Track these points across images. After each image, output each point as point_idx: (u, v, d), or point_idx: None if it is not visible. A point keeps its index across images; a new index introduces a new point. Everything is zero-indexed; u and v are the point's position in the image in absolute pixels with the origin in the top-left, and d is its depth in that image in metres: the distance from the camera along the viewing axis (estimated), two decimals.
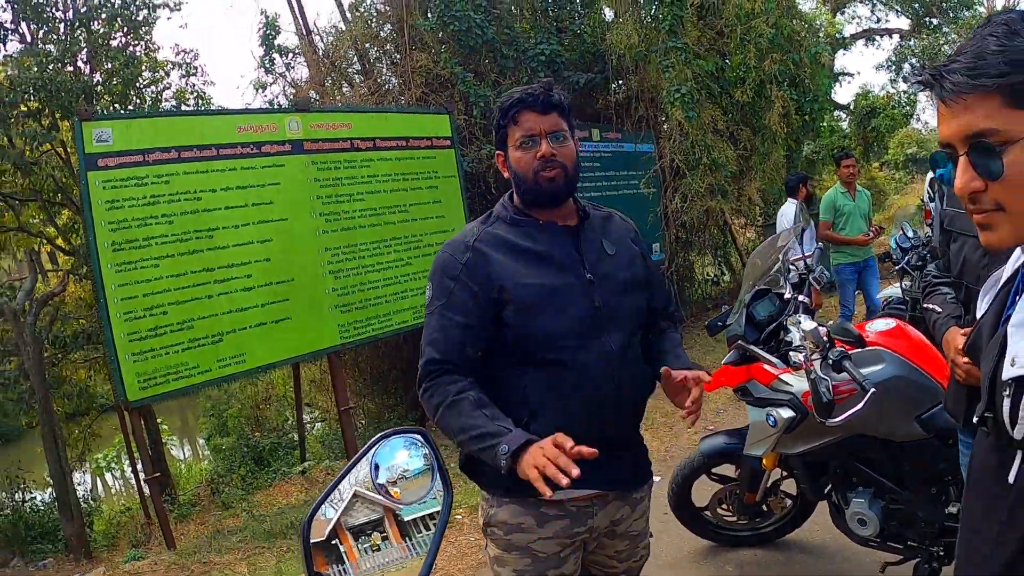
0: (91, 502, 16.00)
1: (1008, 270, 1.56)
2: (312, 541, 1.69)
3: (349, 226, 8.02)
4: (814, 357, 3.29)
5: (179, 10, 16.14)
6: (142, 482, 11.83)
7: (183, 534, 7.78)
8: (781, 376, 3.70)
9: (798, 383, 3.62)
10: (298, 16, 13.55)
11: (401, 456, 1.78)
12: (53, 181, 14.06)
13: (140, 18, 15.42)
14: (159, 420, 15.46)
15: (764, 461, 4.16)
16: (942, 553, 3.57)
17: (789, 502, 4.61)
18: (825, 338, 3.31)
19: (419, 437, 1.82)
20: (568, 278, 2.38)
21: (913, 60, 36.64)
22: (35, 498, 15.28)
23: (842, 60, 39.00)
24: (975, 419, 1.54)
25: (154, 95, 16.67)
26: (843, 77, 37.48)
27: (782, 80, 11.64)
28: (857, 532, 3.87)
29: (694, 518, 4.81)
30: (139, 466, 12.43)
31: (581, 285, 2.38)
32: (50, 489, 15.89)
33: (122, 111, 14.37)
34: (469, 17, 10.98)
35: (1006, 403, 1.39)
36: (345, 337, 7.90)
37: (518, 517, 2.42)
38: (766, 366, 3.73)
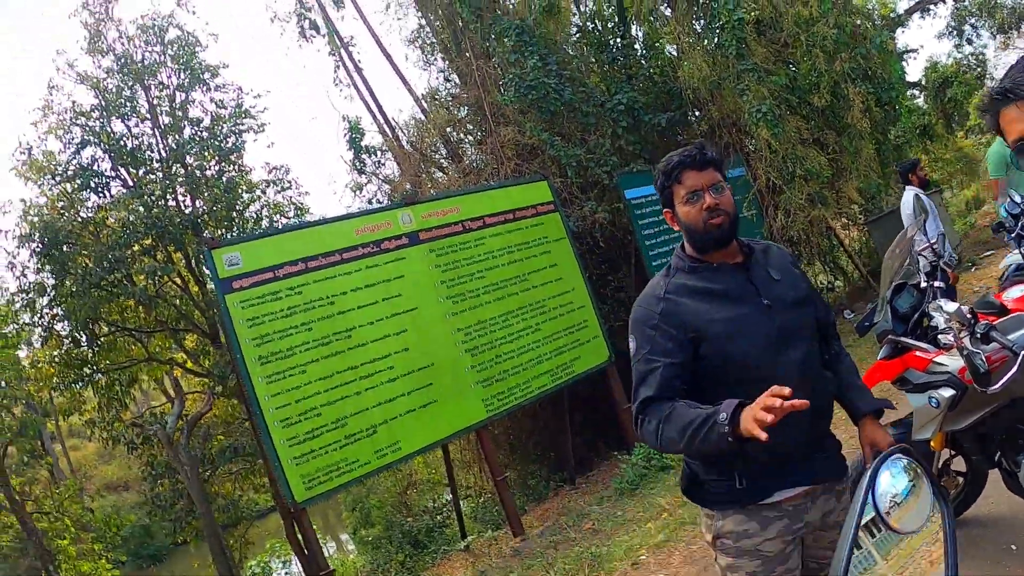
0: None
1: None
2: None
3: (475, 304, 8.33)
4: (962, 334, 3.47)
5: (263, 131, 16.87)
6: None
7: None
8: (935, 359, 3.86)
9: (952, 362, 3.78)
10: (378, 115, 14.14)
11: (885, 480, 1.69)
12: (175, 310, 14.94)
13: (229, 145, 16.15)
14: None
15: (932, 443, 4.30)
16: None
17: (961, 480, 4.70)
18: (969, 315, 3.51)
19: (903, 456, 1.75)
20: (748, 308, 2.72)
21: (972, 20, 35.91)
22: None
23: (903, 38, 38.37)
24: None
25: (255, 215, 17.29)
26: (908, 55, 36.94)
27: (855, 77, 11.71)
28: None
29: None
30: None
31: (760, 311, 2.72)
32: None
33: (229, 236, 15.07)
34: (544, 84, 11.39)
35: None
36: (491, 410, 8.16)
37: (743, 524, 2.71)
38: (919, 353, 3.94)
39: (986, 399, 3.73)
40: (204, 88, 16.02)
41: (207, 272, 14.87)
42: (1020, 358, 3.27)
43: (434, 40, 14.45)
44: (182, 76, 15.63)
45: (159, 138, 15.24)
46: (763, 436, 2.20)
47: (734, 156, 11.99)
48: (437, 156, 13.95)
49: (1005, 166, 8.18)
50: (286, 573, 21.38)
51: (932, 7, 37.80)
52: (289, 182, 17.84)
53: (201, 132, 15.89)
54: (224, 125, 16.24)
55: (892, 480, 1.68)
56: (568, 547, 7.17)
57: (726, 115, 11.85)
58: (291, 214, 17.71)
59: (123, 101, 14.77)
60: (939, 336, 3.73)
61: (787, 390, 2.24)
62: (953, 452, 4.56)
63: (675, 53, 12.78)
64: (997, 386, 3.42)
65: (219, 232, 15.60)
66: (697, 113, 12.37)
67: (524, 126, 11.60)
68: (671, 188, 2.79)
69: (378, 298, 7.69)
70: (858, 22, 12.28)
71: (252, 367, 6.84)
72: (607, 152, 11.50)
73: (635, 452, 8.64)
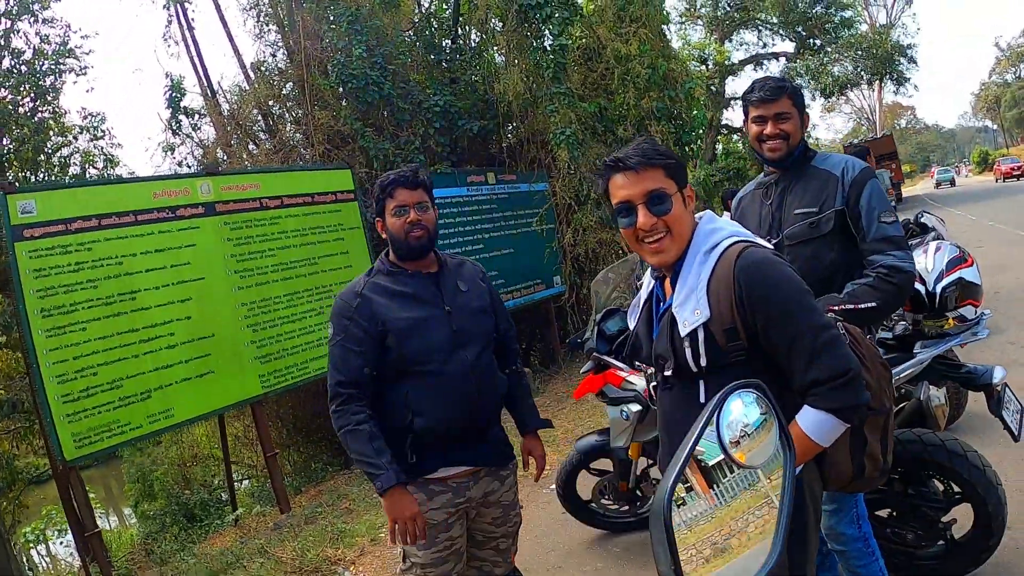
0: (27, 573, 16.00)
1: (643, 293, 2.60)
2: None
3: (262, 281, 8.40)
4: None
5: (85, 74, 16.41)
6: (84, 538, 11.83)
7: None
8: (628, 378, 4.50)
9: (640, 382, 4.41)
10: (202, 78, 13.96)
11: (736, 408, 1.66)
12: None
13: (47, 84, 15.64)
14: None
15: (630, 452, 4.89)
16: None
17: None
18: None
19: (755, 390, 1.73)
20: (431, 311, 3.27)
21: (799, 81, 38.06)
22: None
23: (733, 86, 40.36)
24: (652, 386, 2.55)
25: (62, 160, 16.78)
26: (735, 102, 38.86)
27: (660, 116, 12.38)
28: None
29: (583, 510, 5.58)
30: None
31: (441, 315, 3.28)
32: None
33: (35, 179, 14.63)
34: (366, 75, 11.56)
35: (688, 351, 2.29)
36: (266, 386, 8.25)
37: (414, 494, 3.19)
38: (616, 371, 4.57)
39: None
40: (31, 19, 15.47)
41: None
42: None
43: (270, 11, 14.35)
44: (10, 2, 15.07)
45: None
46: (391, 543, 2.97)
47: (539, 171, 12.47)
48: (254, 128, 13.90)
49: None
50: (62, 542, 20.81)
51: (765, 62, 40.03)
52: (103, 131, 17.43)
53: (20, 65, 15.37)
54: (45, 61, 15.73)
55: (744, 409, 1.65)
56: (320, 523, 7.46)
57: (536, 132, 12.30)
58: (101, 164, 17.32)
59: None
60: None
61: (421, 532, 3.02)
62: (651, 461, 5.15)
63: (501, 64, 13.17)
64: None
65: (24, 173, 15.12)
66: (510, 125, 12.76)
67: (340, 113, 11.78)
68: (384, 201, 3.31)
69: (167, 264, 7.65)
70: (672, 67, 12.94)
71: (33, 319, 6.73)
72: (416, 150, 11.76)
73: None
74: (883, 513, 4.07)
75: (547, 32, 11.60)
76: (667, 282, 2.47)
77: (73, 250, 7.06)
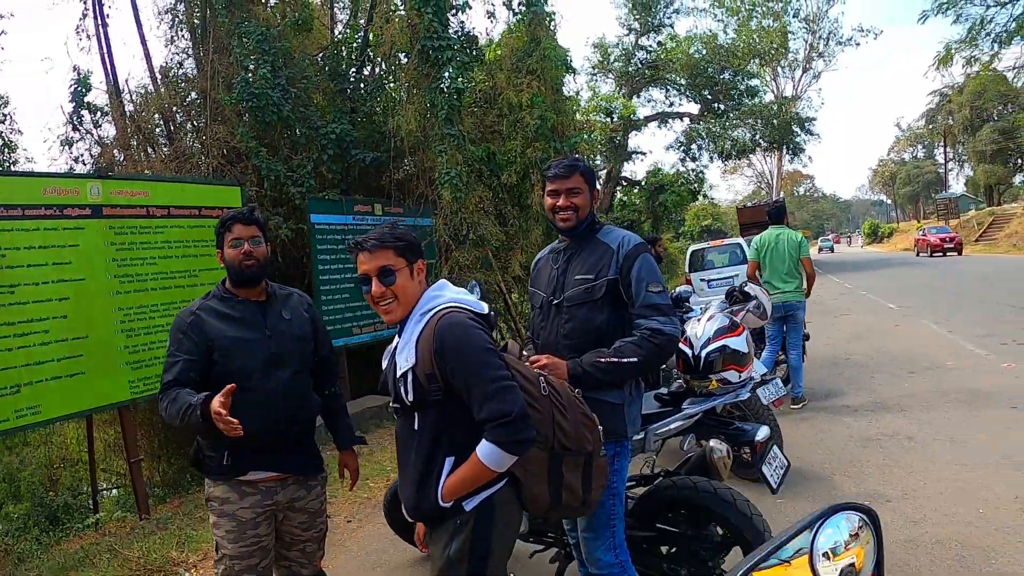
0: None
1: (394, 342, 3.15)
2: None
3: (141, 288, 8.52)
4: None
5: None
6: None
7: None
8: None
9: None
10: (109, 76, 13.99)
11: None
12: None
13: None
14: None
15: None
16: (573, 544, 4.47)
17: None
18: None
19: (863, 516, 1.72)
20: (254, 333, 3.79)
21: (700, 142, 39.24)
22: None
23: (636, 140, 41.45)
24: (391, 408, 3.14)
25: None
26: (636, 155, 39.86)
27: (544, 166, 12.90)
28: None
29: (407, 531, 5.89)
30: None
31: (262, 339, 3.79)
32: None
33: None
34: (267, 95, 11.82)
35: (402, 388, 2.95)
36: (136, 392, 8.32)
37: (227, 493, 3.73)
38: None
39: None
40: None
41: None
42: None
43: (184, 19, 14.49)
44: None
45: None
46: (231, 432, 3.28)
47: (425, 207, 12.86)
48: (155, 133, 14.00)
49: (756, 251, 10.07)
50: None
51: (670, 120, 41.09)
52: (4, 115, 17.28)
53: None
54: None
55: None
56: (171, 528, 7.67)
57: (425, 169, 12.75)
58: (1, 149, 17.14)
59: None
60: None
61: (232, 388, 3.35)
62: None
63: (400, 99, 13.56)
64: None
65: None
66: (403, 161, 13.17)
67: (237, 129, 12.01)
68: (223, 234, 3.84)
69: (49, 261, 7.71)
70: (561, 120, 13.53)
71: None
72: (307, 174, 12.06)
73: None
74: (664, 549, 4.54)
75: (446, 74, 12.05)
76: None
77: None
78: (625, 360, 3.66)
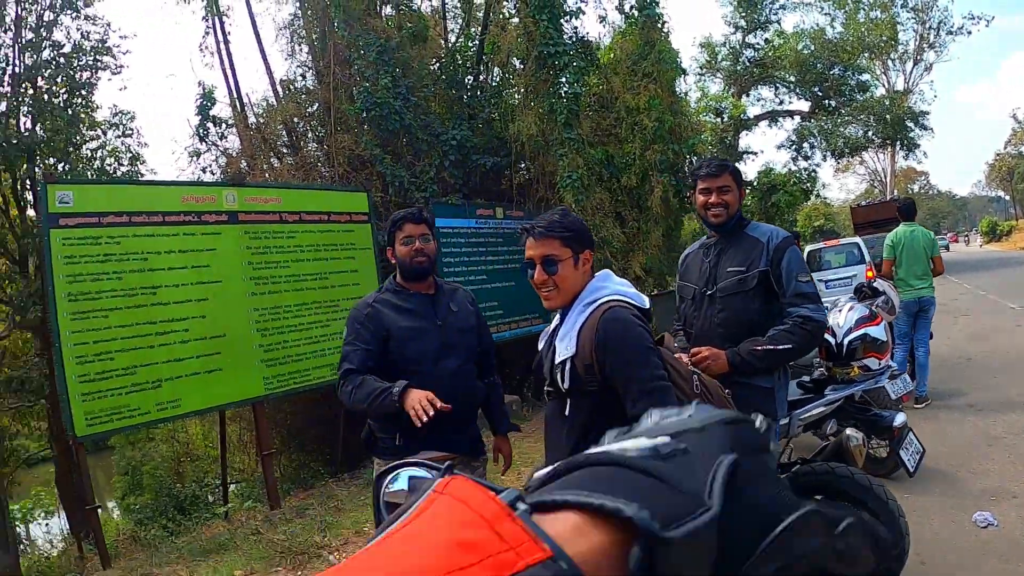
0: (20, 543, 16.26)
1: (552, 325, 3.28)
2: None
3: (275, 290, 8.83)
4: None
5: (120, 73, 16.89)
6: (83, 513, 12.04)
7: (119, 564, 8.11)
8: None
9: None
10: (233, 89, 14.47)
11: None
12: None
13: (82, 77, 16.08)
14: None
15: None
16: None
17: None
18: None
19: None
20: (425, 323, 3.99)
21: (812, 140, 38.45)
22: None
23: (747, 140, 40.83)
24: (545, 391, 3.25)
25: (90, 153, 17.16)
26: (747, 155, 39.21)
27: (663, 167, 12.96)
28: None
29: None
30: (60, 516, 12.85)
31: (434, 328, 3.99)
32: None
33: (63, 169, 15.08)
34: (389, 104, 12.11)
35: (559, 375, 3.03)
36: (269, 388, 8.63)
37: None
38: None
39: None
40: (73, 14, 15.91)
41: (30, 201, 14.85)
42: None
43: (303, 33, 14.90)
44: None
45: (16, 53, 15.06)
46: (420, 416, 3.45)
47: (545, 210, 12.79)
48: (278, 143, 14.40)
49: (891, 248, 9.84)
50: (45, 524, 21.05)
51: (780, 119, 40.31)
52: (132, 129, 17.89)
53: (59, 57, 15.80)
54: (84, 57, 16.17)
55: None
56: (309, 516, 7.89)
57: (545, 172, 12.85)
58: (126, 161, 17.79)
59: None
60: None
61: (439, 403, 3.51)
62: None
63: (517, 105, 13.64)
64: None
65: (52, 162, 15.52)
66: (522, 164, 13.28)
67: (361, 137, 12.29)
68: (394, 233, 4.04)
69: (188, 264, 8.09)
70: (679, 122, 13.47)
71: (60, 302, 7.16)
72: (430, 179, 12.28)
73: None
74: None
75: (563, 79, 12.13)
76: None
77: (104, 242, 7.54)
78: (780, 347, 3.85)
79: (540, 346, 3.33)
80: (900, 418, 4.82)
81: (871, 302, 8.60)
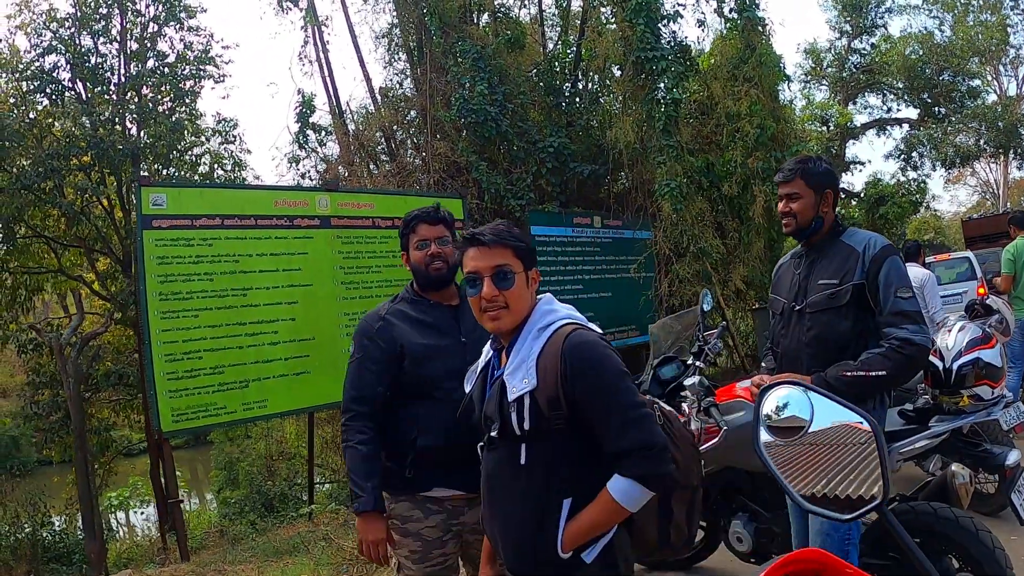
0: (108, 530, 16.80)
1: (481, 362, 2.81)
2: None
3: (367, 295, 8.79)
4: (693, 406, 4.32)
5: (223, 82, 17.27)
6: (166, 505, 12.25)
7: (197, 557, 8.29)
8: None
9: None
10: (331, 97, 14.61)
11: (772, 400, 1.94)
12: (96, 231, 15.16)
13: (186, 87, 16.49)
14: None
15: None
16: None
17: (700, 531, 5.28)
18: (702, 391, 4.36)
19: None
20: (448, 340, 3.46)
21: (921, 149, 37.25)
22: (53, 523, 16.01)
23: (854, 149, 39.67)
24: (479, 446, 2.72)
25: (194, 159, 17.58)
26: (854, 166, 38.19)
27: (765, 176, 12.50)
28: (737, 549, 4.77)
29: None
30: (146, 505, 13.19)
31: (457, 346, 3.44)
32: (64, 517, 16.79)
33: (166, 173, 15.45)
34: (485, 111, 12.04)
35: (514, 415, 2.49)
36: None
37: (409, 511, 3.42)
38: None
39: (704, 461, 4.49)
40: (177, 26, 16.33)
41: (134, 204, 15.16)
42: (721, 433, 4.16)
43: (401, 41, 14.96)
44: (159, 8, 15.91)
45: (122, 62, 15.45)
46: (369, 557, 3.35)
47: (644, 219, 12.72)
48: (377, 150, 14.46)
49: (1011, 263, 9.19)
50: (141, 512, 21.57)
51: (888, 127, 39.11)
52: (234, 136, 18.22)
53: (163, 67, 16.20)
54: (187, 67, 16.57)
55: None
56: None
57: (644, 181, 12.59)
58: (229, 167, 18.13)
59: (98, 18, 15.01)
60: (683, 404, 4.49)
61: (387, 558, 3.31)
62: None
63: (615, 112, 13.48)
64: (702, 448, 4.23)
65: (156, 167, 15.89)
66: (620, 173, 13.06)
67: (457, 144, 12.25)
68: (408, 235, 3.60)
69: (279, 267, 8.15)
70: (781, 128, 13.07)
71: (152, 300, 7.30)
72: (527, 187, 12.19)
73: None
74: None
75: (661, 85, 11.88)
76: (504, 353, 2.68)
77: (195, 244, 7.68)
78: (873, 373, 3.45)
79: (468, 386, 2.86)
80: (1014, 456, 4.26)
81: (984, 321, 8.14)
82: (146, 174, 14.40)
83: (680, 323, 5.32)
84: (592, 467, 2.54)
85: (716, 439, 4.23)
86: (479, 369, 2.81)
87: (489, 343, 2.79)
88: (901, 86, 36.50)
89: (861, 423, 1.73)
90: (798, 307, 3.80)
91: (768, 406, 1.92)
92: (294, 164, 14.72)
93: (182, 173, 16.65)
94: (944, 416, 4.46)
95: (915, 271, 9.36)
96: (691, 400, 4.37)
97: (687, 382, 4.53)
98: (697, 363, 4.73)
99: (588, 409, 2.49)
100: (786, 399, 1.85)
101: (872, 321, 3.59)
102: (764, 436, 1.89)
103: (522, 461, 2.55)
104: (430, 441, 3.31)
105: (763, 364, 3.99)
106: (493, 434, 2.61)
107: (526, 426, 2.50)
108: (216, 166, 17.88)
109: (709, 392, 4.40)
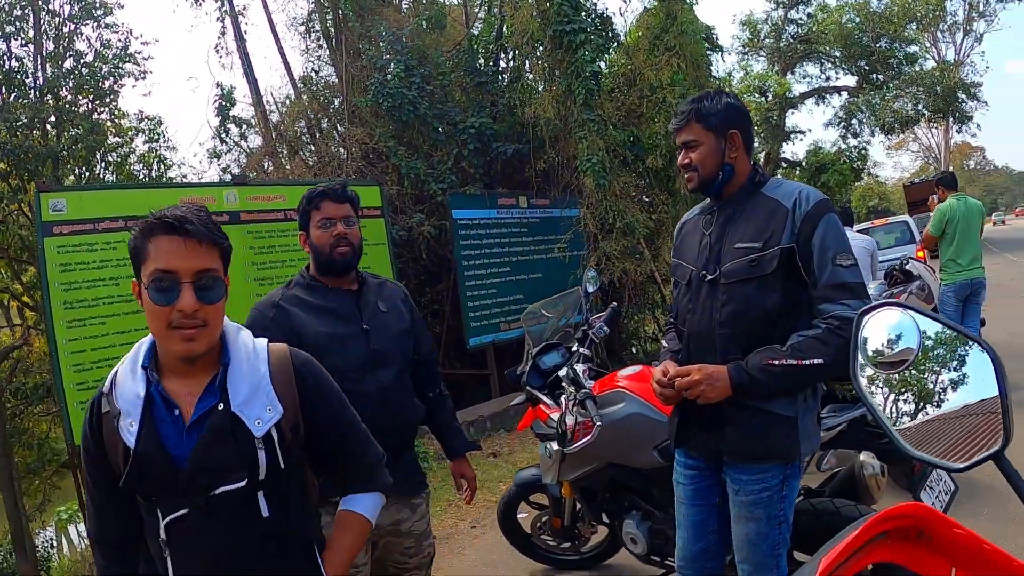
0: (49, 549, 16.44)
1: (131, 408, 2.04)
2: None
3: None
4: (569, 399, 3.94)
5: (144, 79, 16.85)
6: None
7: None
8: (552, 415, 4.29)
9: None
10: (252, 89, 14.29)
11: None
12: (20, 240, 14.68)
13: (106, 86, 16.06)
14: None
15: (563, 489, 4.82)
16: None
17: (604, 528, 5.07)
18: (583, 382, 3.97)
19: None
20: (350, 328, 3.20)
21: (860, 116, 37.54)
22: None
23: (793, 118, 39.92)
24: (178, 517, 2.04)
25: (118, 160, 17.17)
26: (795, 135, 38.43)
27: None
28: (633, 550, 4.46)
29: (524, 543, 5.54)
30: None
31: (360, 334, 3.21)
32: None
33: (87, 177, 15.05)
34: (403, 94, 11.77)
35: (262, 456, 2.04)
36: None
37: (322, 516, 3.01)
38: (544, 407, 4.47)
39: (586, 458, 4.24)
40: (94, 24, 15.91)
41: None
42: (595, 429, 3.79)
43: (319, 27, 14.66)
44: (75, 7, 15.52)
45: (38, 65, 15.07)
46: None
47: (572, 197, 12.48)
48: (301, 140, 14.21)
49: (940, 223, 8.88)
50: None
51: (827, 96, 39.44)
52: (158, 134, 17.87)
53: (81, 67, 15.78)
54: (106, 65, 16.15)
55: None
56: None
57: (568, 157, 12.33)
58: (154, 167, 17.76)
59: (12, 20, 14.63)
60: (560, 395, 4.12)
61: None
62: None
63: (538, 88, 13.25)
64: (573, 448, 3.94)
65: (78, 171, 15.52)
66: (546, 151, 12.86)
67: (375, 130, 11.97)
68: (309, 213, 3.29)
69: None
70: None
71: (56, 310, 7.09)
72: (448, 170, 11.93)
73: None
74: None
75: (581, 57, 11.66)
76: (170, 382, 2.10)
77: (99, 248, 7.41)
78: (806, 362, 2.78)
79: (131, 439, 2.02)
80: None
81: (904, 288, 7.99)
82: (73, 178, 14.04)
83: (553, 309, 4.97)
84: (311, 497, 2.31)
85: (590, 436, 3.86)
86: (139, 417, 2.04)
87: (135, 376, 2.10)
88: (839, 55, 36.79)
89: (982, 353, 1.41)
90: (710, 276, 3.06)
91: (875, 336, 1.56)
92: (215, 159, 14.50)
93: (106, 175, 16.27)
94: (839, 405, 4.08)
95: (861, 237, 9.22)
96: (567, 392, 3.99)
97: (561, 372, 4.17)
98: (582, 350, 4.29)
99: (330, 427, 2.28)
100: (898, 329, 1.51)
101: (804, 294, 2.92)
102: (864, 369, 1.56)
103: (265, 513, 2.08)
104: None
105: (664, 344, 3.43)
106: (227, 488, 2.03)
107: (282, 465, 2.09)
108: (143, 167, 17.51)
109: (583, 383, 3.98)
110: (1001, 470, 1.31)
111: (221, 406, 2.05)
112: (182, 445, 2.02)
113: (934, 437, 1.45)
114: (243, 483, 2.03)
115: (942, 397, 1.44)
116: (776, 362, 2.80)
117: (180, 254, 1.99)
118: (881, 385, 1.52)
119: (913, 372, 1.48)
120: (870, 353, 1.52)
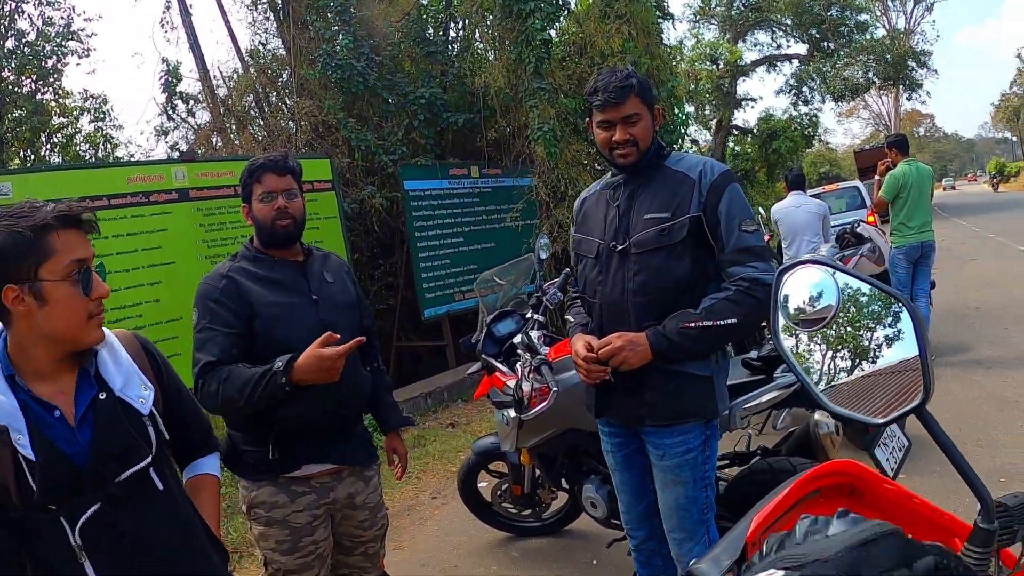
0: None
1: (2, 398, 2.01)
2: None
3: None
4: (525, 365, 3.93)
5: (88, 57, 16.63)
6: None
7: None
8: (508, 382, 4.29)
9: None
10: (198, 63, 14.03)
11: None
12: None
13: (49, 65, 15.78)
14: None
15: (522, 456, 4.87)
16: None
17: (564, 494, 5.19)
18: (539, 348, 3.99)
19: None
20: (298, 298, 3.17)
21: (811, 84, 37.87)
22: None
23: (744, 86, 40.21)
24: (90, 514, 2.03)
25: (63, 140, 16.94)
26: (746, 102, 38.70)
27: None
28: (593, 514, 4.52)
29: (485, 512, 5.58)
30: None
31: (309, 304, 3.17)
32: None
33: (32, 159, 14.82)
34: (351, 65, 11.63)
35: (152, 432, 2.18)
36: None
37: (275, 496, 3.11)
38: (500, 375, 4.46)
39: (545, 424, 4.26)
40: (36, 2, 15.63)
41: None
42: (552, 395, 3.81)
43: (266, 1, 14.44)
44: None
45: None
46: (333, 377, 2.79)
47: (524, 167, 12.45)
48: (250, 115, 14.01)
49: (893, 188, 8.88)
50: None
51: (778, 63, 39.73)
52: (104, 113, 17.62)
53: (23, 47, 15.49)
54: (49, 44, 15.87)
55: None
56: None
57: (519, 126, 12.30)
58: (100, 146, 17.51)
59: None
60: (516, 363, 4.12)
61: (346, 346, 2.78)
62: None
63: (490, 58, 13.18)
64: (529, 414, 3.94)
65: (23, 153, 15.31)
66: (497, 120, 12.78)
67: (324, 102, 11.83)
68: (251, 186, 3.23)
69: (138, 247, 7.81)
70: (656, 65, 12.91)
71: None
72: (398, 141, 11.82)
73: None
74: None
75: (531, 25, 11.58)
76: (36, 386, 2.05)
77: None
78: (720, 322, 2.92)
79: (30, 451, 1.95)
80: None
81: (855, 251, 8.06)
82: (17, 161, 13.82)
83: (506, 276, 4.96)
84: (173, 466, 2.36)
85: (545, 403, 3.86)
86: (15, 432, 1.96)
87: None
88: (790, 23, 37.07)
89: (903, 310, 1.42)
90: (620, 247, 3.15)
91: (795, 294, 1.55)
92: (163, 136, 14.29)
93: (52, 157, 16.04)
94: None
95: (814, 202, 9.32)
96: (523, 359, 3.98)
97: (516, 339, 4.16)
98: (536, 316, 4.29)
99: (175, 400, 2.37)
100: (819, 287, 1.50)
101: (710, 262, 3.08)
102: (785, 327, 1.56)
103: (160, 486, 2.18)
104: (294, 412, 2.96)
105: (570, 319, 3.48)
106: (134, 470, 2.10)
107: (166, 437, 2.23)
108: (87, 145, 17.29)
109: (538, 349, 3.99)
110: (923, 423, 1.33)
111: (103, 395, 2.10)
112: (76, 442, 2.04)
113: (859, 394, 1.45)
114: (148, 460, 2.13)
115: (865, 354, 1.45)
116: (692, 324, 2.94)
117: (84, 244, 2.13)
118: (804, 342, 1.53)
119: (835, 329, 1.48)
120: (791, 311, 1.52)
